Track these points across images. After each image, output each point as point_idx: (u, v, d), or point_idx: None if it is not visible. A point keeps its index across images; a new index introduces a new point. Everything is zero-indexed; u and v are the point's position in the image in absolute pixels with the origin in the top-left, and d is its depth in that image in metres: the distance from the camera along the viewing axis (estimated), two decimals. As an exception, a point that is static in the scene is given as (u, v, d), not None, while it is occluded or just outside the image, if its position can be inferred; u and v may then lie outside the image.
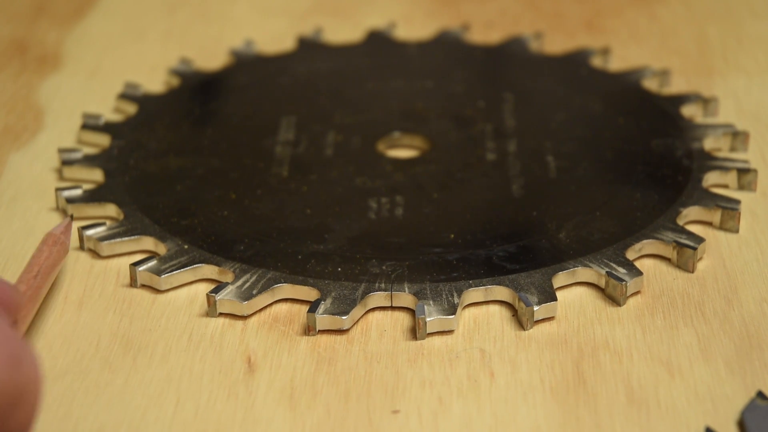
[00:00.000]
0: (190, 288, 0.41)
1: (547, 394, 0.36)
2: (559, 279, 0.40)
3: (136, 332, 0.39)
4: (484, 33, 0.58)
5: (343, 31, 0.58)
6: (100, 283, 0.41)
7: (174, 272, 0.40)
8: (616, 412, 0.35)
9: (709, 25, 0.59)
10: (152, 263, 0.41)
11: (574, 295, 0.40)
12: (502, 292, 0.40)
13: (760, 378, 0.36)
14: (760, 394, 0.35)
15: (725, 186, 0.45)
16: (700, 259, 0.42)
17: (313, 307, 0.38)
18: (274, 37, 0.57)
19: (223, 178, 0.46)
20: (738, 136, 0.48)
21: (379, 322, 0.39)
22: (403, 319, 0.39)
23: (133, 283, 0.41)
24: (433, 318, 0.38)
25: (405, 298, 0.39)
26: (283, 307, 0.40)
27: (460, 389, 0.36)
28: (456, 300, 0.39)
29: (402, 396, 0.36)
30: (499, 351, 0.38)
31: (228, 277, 0.40)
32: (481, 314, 0.39)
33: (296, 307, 0.40)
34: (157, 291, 0.40)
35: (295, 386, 0.36)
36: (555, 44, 0.57)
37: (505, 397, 0.36)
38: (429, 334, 0.38)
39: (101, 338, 0.38)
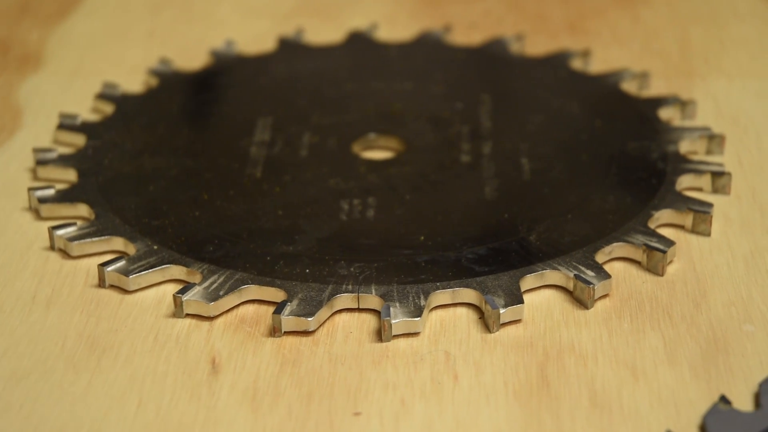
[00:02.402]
0: (158, 289, 0.41)
1: (509, 397, 0.36)
2: (527, 282, 0.40)
3: (102, 333, 0.39)
4: (467, 34, 0.58)
5: (326, 32, 0.58)
6: (69, 283, 0.41)
7: (142, 273, 0.40)
8: (578, 415, 0.35)
9: (692, 27, 0.58)
10: (120, 264, 0.41)
11: (541, 298, 0.40)
12: (468, 295, 0.40)
13: (724, 382, 0.36)
14: (722, 399, 0.35)
15: (699, 189, 0.45)
16: (670, 262, 0.41)
17: (279, 308, 0.38)
18: (257, 38, 0.57)
19: (196, 179, 0.46)
20: (714, 139, 0.48)
21: (346, 324, 0.39)
22: (370, 321, 0.39)
23: (101, 283, 0.41)
24: (398, 320, 0.38)
25: (372, 300, 0.39)
26: (251, 308, 0.40)
27: (423, 391, 0.36)
28: (422, 302, 0.39)
29: (365, 398, 0.36)
30: (464, 354, 0.38)
31: (196, 277, 0.40)
32: (448, 317, 0.39)
33: (263, 308, 0.40)
34: (126, 291, 0.40)
35: (258, 387, 0.36)
36: (537, 46, 0.56)
37: (467, 400, 0.36)
38: (395, 336, 0.38)
39: (67, 338, 0.38)
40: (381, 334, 0.38)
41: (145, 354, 0.38)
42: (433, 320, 0.39)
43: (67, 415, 0.35)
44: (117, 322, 0.39)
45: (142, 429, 0.35)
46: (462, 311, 0.40)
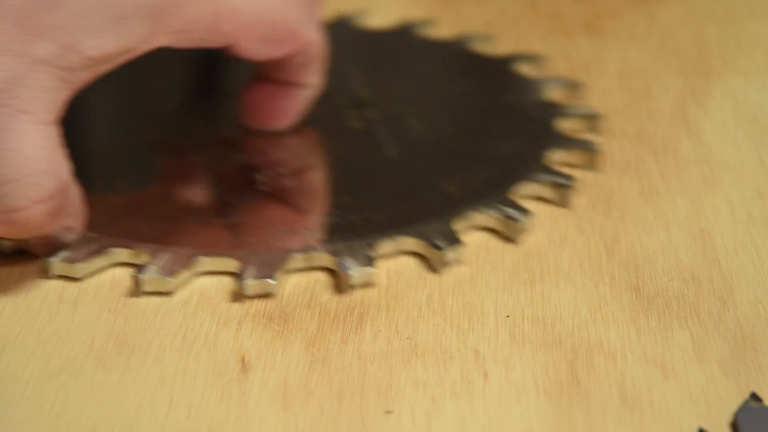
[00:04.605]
0: (185, 289, 0.41)
1: (540, 395, 0.36)
2: (460, 225, 0.43)
3: (131, 332, 0.39)
4: (483, 33, 0.58)
5: (342, 31, 0.58)
6: (95, 283, 0.41)
7: (89, 260, 0.41)
8: (609, 413, 0.35)
9: (709, 27, 0.58)
10: (66, 254, 0.41)
11: (568, 296, 0.40)
12: (411, 243, 0.42)
13: (753, 379, 0.36)
14: (753, 396, 0.35)
15: (578, 131, 0.49)
16: (577, 194, 0.45)
17: (240, 275, 0.40)
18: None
19: (109, 165, 0.47)
20: (575, 87, 0.52)
21: (374, 322, 0.39)
22: (398, 320, 0.39)
23: (51, 275, 0.41)
24: (355, 271, 0.40)
25: (324, 258, 0.41)
26: (277, 307, 0.40)
27: (454, 390, 0.36)
28: (371, 253, 0.41)
29: (395, 396, 0.36)
30: (493, 351, 0.38)
31: (143, 258, 0.41)
32: (475, 314, 0.39)
33: (291, 307, 0.40)
34: (152, 291, 0.40)
35: (289, 386, 0.36)
36: (552, 45, 0.57)
37: (498, 398, 0.36)
38: (353, 287, 0.40)
39: (95, 338, 0.38)
40: (340, 288, 0.40)
41: (174, 353, 0.38)
42: (460, 317, 0.39)
43: (98, 414, 0.35)
44: (145, 322, 0.39)
45: (175, 427, 0.35)
46: (489, 309, 0.40)
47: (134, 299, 0.40)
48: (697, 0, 0.61)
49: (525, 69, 0.53)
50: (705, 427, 0.35)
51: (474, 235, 0.43)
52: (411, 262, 0.42)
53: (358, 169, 0.47)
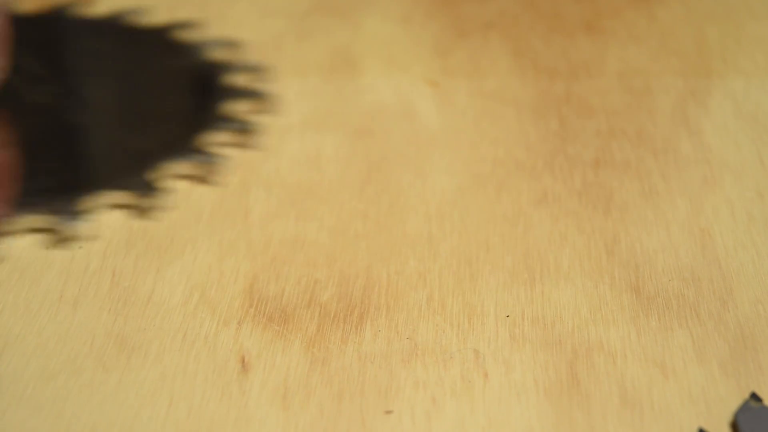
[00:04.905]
0: (185, 287, 0.41)
1: (540, 395, 0.36)
2: (160, 175, 0.45)
3: (131, 332, 0.39)
4: (483, 33, 0.58)
5: (342, 32, 0.58)
6: (96, 283, 0.41)
7: None
8: (609, 413, 0.35)
9: (709, 26, 0.58)
10: None
11: (568, 296, 0.40)
12: (119, 195, 0.44)
13: (753, 379, 0.36)
14: (753, 396, 0.35)
15: (246, 82, 0.51)
16: (259, 136, 0.48)
17: None
18: (273, 38, 0.57)
19: None
20: (234, 45, 0.54)
21: (374, 322, 0.39)
22: (398, 320, 0.39)
23: None
24: (71, 226, 0.42)
25: (39, 219, 0.43)
26: (277, 307, 0.40)
27: (454, 390, 0.36)
28: (83, 208, 0.43)
29: (395, 396, 0.36)
30: (493, 352, 0.38)
31: None
32: (475, 314, 0.39)
33: (290, 307, 0.40)
34: (152, 290, 0.40)
35: (289, 386, 0.36)
36: (552, 45, 0.56)
37: (498, 398, 0.36)
38: (73, 240, 0.42)
39: (95, 337, 0.38)
40: (61, 244, 0.42)
41: (175, 353, 0.38)
42: (460, 317, 0.39)
43: (98, 414, 0.35)
44: (145, 321, 0.39)
45: (175, 427, 0.35)
46: (490, 309, 0.40)
47: (134, 299, 0.40)
48: (697, 0, 0.61)
49: (183, 34, 0.55)
50: (705, 427, 0.35)
51: (176, 183, 0.45)
52: (122, 214, 0.44)
53: (51, 139, 0.48)
